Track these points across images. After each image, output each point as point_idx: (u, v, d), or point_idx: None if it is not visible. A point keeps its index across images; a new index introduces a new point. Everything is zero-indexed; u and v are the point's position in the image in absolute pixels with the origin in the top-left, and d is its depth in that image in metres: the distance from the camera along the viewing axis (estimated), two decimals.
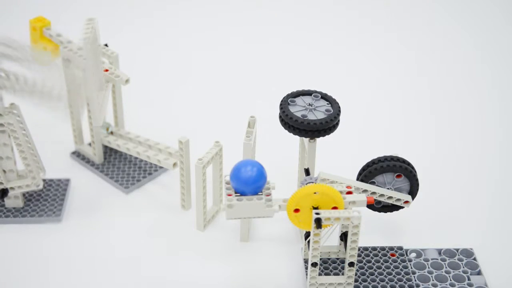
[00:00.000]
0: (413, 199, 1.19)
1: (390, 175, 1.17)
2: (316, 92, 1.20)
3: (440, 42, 1.80)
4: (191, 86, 1.64)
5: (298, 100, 1.19)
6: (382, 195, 1.17)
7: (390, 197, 1.17)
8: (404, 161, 1.18)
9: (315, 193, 1.07)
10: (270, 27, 1.85)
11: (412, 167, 1.19)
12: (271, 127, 1.39)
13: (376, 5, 1.94)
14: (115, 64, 1.34)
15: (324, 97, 1.19)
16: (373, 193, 1.16)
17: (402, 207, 1.20)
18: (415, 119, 1.55)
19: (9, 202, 1.28)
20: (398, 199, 1.18)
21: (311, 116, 1.16)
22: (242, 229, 1.24)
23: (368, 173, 1.17)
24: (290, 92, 1.20)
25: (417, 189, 1.19)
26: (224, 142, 1.47)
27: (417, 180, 1.18)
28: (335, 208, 1.08)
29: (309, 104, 1.18)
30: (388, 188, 1.18)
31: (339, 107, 1.17)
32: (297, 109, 1.17)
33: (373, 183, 1.18)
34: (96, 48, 1.25)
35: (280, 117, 1.18)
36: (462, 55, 1.75)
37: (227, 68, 1.70)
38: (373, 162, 1.18)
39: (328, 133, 1.16)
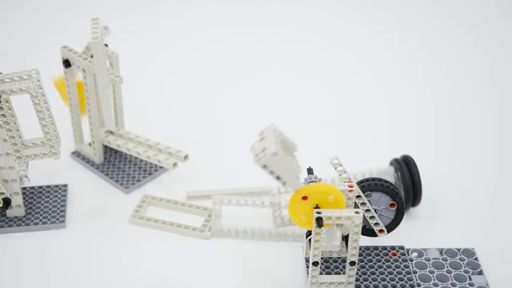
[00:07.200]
0: (388, 230, 1.18)
1: (386, 198, 1.16)
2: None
3: (440, 42, 1.80)
4: (191, 86, 1.64)
5: None
6: (368, 210, 1.16)
7: (372, 217, 1.16)
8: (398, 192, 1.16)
9: (304, 198, 1.09)
10: (271, 27, 1.85)
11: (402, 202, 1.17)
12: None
13: (376, 5, 1.94)
14: (116, 64, 1.34)
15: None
16: (363, 203, 1.15)
17: (376, 235, 1.18)
18: (415, 119, 1.55)
19: (11, 211, 1.27)
20: (377, 223, 1.17)
21: None
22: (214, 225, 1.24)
23: (362, 187, 1.15)
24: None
25: (396, 224, 1.17)
26: (223, 142, 1.47)
27: (402, 214, 1.17)
28: (333, 198, 1.08)
29: None
30: (374, 209, 1.17)
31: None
32: None
33: (369, 195, 1.16)
34: (103, 48, 1.25)
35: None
36: (462, 55, 1.75)
37: (226, 68, 1.70)
38: (368, 179, 1.16)
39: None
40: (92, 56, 1.28)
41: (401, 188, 1.27)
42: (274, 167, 1.06)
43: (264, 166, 1.06)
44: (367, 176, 1.33)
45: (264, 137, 1.08)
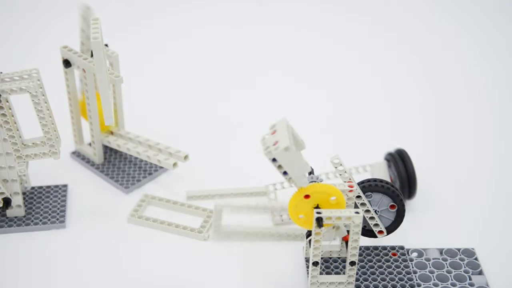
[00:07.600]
0: (388, 232, 1.17)
1: (387, 200, 1.16)
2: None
3: (440, 42, 1.80)
4: (191, 86, 1.64)
5: None
6: (368, 211, 1.16)
7: (372, 218, 1.16)
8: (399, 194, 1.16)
9: (306, 196, 1.08)
10: (271, 27, 1.85)
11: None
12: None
13: (376, 5, 1.94)
14: (116, 64, 1.34)
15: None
16: (363, 204, 1.15)
17: (375, 236, 1.17)
18: (415, 119, 1.55)
19: (11, 211, 1.27)
20: (377, 224, 1.16)
21: None
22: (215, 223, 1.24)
23: (363, 187, 1.15)
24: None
25: (396, 226, 1.17)
26: (223, 142, 1.47)
27: (402, 217, 1.16)
28: (335, 200, 1.08)
29: None
30: (374, 210, 1.17)
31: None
32: None
33: (370, 196, 1.16)
34: (103, 48, 1.25)
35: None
36: (462, 55, 1.75)
37: (226, 68, 1.70)
38: (369, 180, 1.16)
39: None
40: (92, 55, 1.28)
41: (397, 178, 1.27)
42: (283, 161, 1.05)
43: (274, 160, 1.05)
44: (360, 170, 1.33)
45: (276, 130, 1.07)
